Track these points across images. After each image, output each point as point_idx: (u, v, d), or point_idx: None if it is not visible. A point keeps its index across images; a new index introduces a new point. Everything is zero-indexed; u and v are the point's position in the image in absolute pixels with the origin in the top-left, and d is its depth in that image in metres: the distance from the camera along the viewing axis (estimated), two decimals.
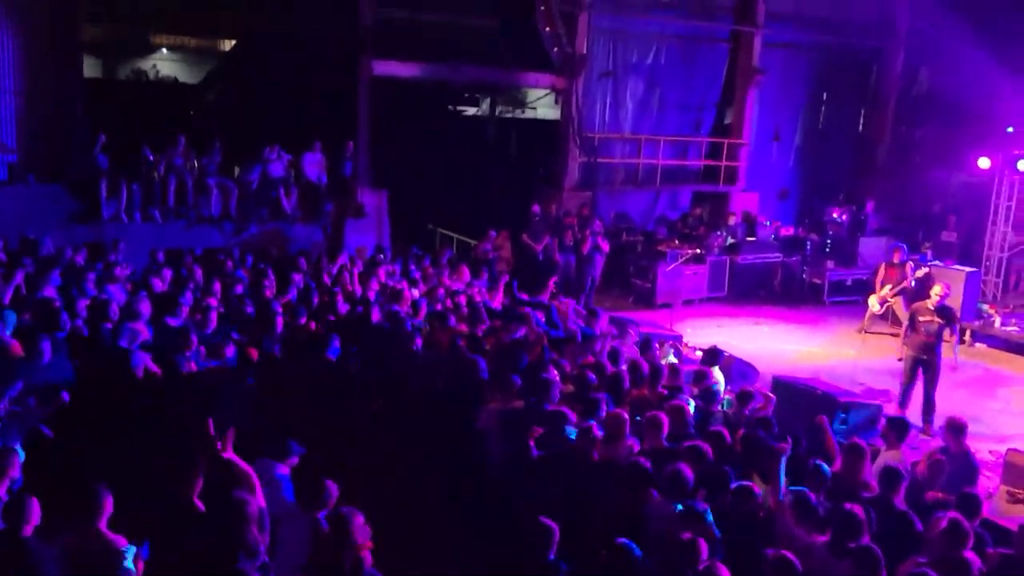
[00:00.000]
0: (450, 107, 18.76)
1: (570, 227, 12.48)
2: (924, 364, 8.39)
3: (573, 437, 5.35)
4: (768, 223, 14.54)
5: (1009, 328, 11.29)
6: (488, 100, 20.45)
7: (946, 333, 8.44)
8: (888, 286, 10.92)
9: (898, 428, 6.08)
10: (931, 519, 4.69)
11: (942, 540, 4.51)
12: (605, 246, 12.00)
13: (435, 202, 14.31)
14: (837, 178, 16.86)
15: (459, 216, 13.96)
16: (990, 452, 7.66)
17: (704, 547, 4.06)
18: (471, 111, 20.28)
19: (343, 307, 8.06)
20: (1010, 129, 12.55)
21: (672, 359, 7.90)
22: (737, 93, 15.91)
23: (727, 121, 16.30)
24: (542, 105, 20.58)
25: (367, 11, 13.00)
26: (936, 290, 8.53)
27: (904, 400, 8.52)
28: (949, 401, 8.46)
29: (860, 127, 17.70)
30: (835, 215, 14.70)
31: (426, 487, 5.49)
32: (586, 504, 4.78)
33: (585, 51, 14.20)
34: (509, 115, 20.58)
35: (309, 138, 12.42)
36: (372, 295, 8.54)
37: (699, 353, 8.79)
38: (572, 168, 14.37)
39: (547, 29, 13.49)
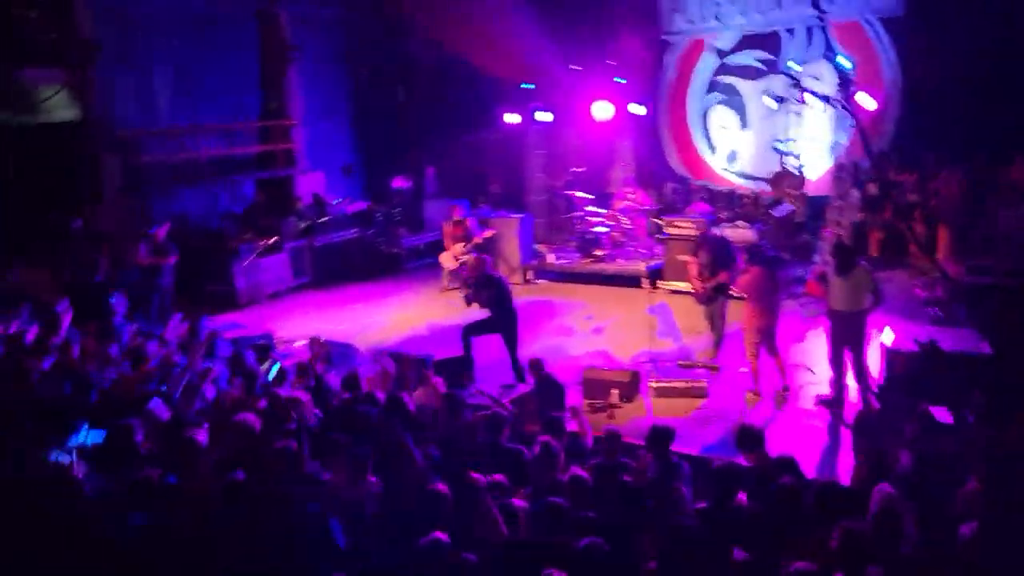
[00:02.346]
0: None
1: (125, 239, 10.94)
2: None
3: None
4: (337, 201, 14.47)
5: (560, 261, 12.86)
6: None
7: None
8: (459, 244, 11.63)
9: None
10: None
11: (537, 464, 5.08)
12: (173, 254, 10.77)
13: None
14: (395, 148, 17.42)
15: None
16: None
17: None
18: None
19: None
20: (524, 85, 14.10)
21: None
22: (276, 73, 15.34)
23: (273, 106, 15.67)
24: (59, 104, 17.59)
25: None
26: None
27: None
28: (526, 341, 9.21)
29: (401, 95, 18.40)
30: (398, 185, 15.19)
31: None
32: None
33: (94, 38, 12.35)
34: (15, 122, 17.14)
35: None
36: None
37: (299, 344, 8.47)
38: (110, 174, 12.54)
39: (32, 15, 11.42)
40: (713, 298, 8.69)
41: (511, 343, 8.48)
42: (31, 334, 7.56)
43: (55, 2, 11.76)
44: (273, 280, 12.13)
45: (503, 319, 8.49)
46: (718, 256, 8.57)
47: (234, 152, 14.73)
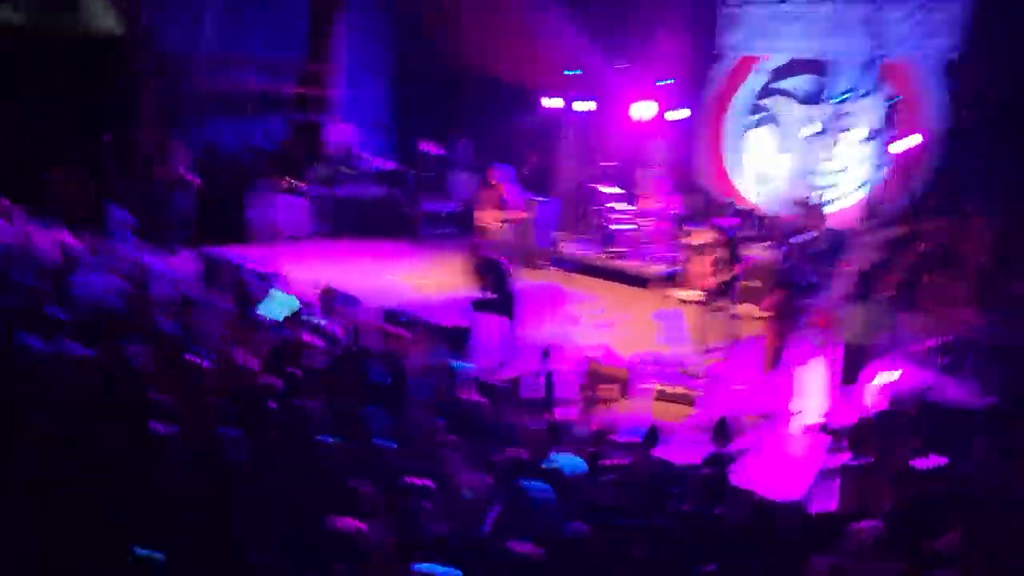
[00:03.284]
0: None
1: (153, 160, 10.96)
2: None
3: None
4: (367, 156, 14.46)
5: (577, 252, 12.85)
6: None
7: None
8: (495, 212, 11.40)
9: None
10: None
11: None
12: (196, 180, 10.78)
13: None
14: (432, 116, 17.34)
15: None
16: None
17: None
18: None
19: None
20: (568, 72, 14.05)
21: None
22: (324, 17, 15.24)
23: (318, 48, 15.59)
24: (100, 12, 17.36)
25: None
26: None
27: None
28: (532, 320, 9.26)
29: (448, 67, 18.30)
30: (429, 150, 15.15)
31: None
32: None
33: None
34: (56, 24, 16.75)
35: None
36: None
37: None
38: (147, 97, 12.50)
39: None
40: (723, 294, 8.89)
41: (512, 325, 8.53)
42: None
43: None
44: (290, 223, 12.18)
45: (503, 302, 8.54)
46: (734, 253, 8.92)
47: (273, 89, 14.64)
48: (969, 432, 5.82)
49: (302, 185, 12.43)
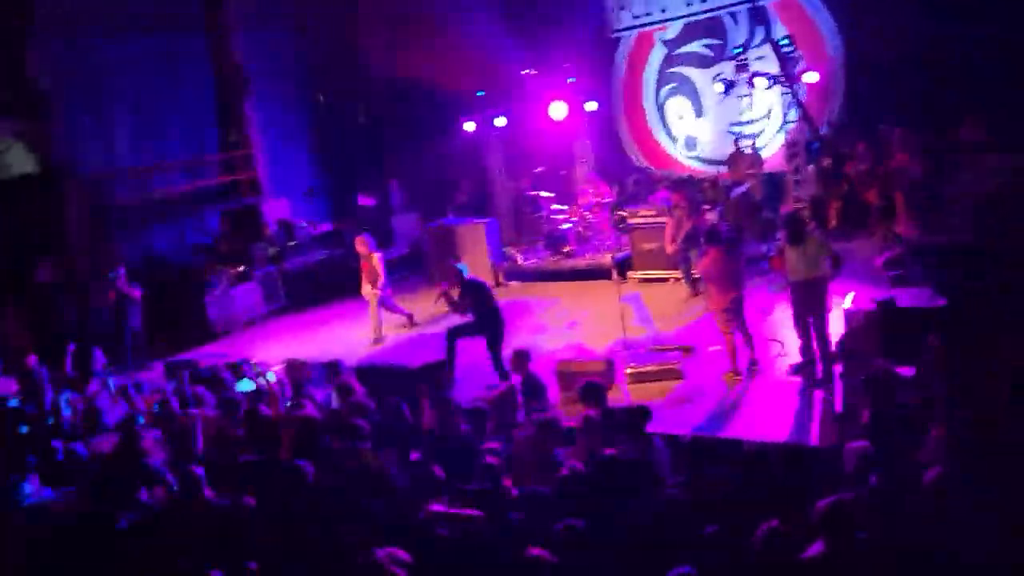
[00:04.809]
0: None
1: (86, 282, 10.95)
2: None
3: None
4: (305, 224, 14.52)
5: (530, 261, 13.00)
6: None
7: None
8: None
9: None
10: None
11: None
12: (136, 293, 10.77)
13: None
14: (357, 167, 17.47)
15: None
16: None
17: None
18: None
19: None
20: (480, 93, 14.29)
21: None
22: (233, 103, 15.41)
23: (232, 139, 15.67)
24: (16, 155, 17.48)
25: None
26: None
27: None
28: (509, 338, 9.35)
29: (361, 113, 18.43)
30: (363, 202, 15.26)
31: None
32: None
33: (47, 87, 12.36)
34: None
35: None
36: None
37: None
38: (75, 221, 12.49)
39: None
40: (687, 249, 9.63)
41: (494, 344, 8.61)
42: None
43: (4, 54, 11.74)
44: (246, 308, 12.19)
45: (485, 321, 8.63)
46: (692, 205, 9.79)
47: (198, 186, 14.73)
48: (927, 334, 5.99)
49: (247, 268, 12.44)
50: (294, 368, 7.85)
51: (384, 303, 10.86)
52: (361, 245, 10.74)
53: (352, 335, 11.21)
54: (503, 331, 8.72)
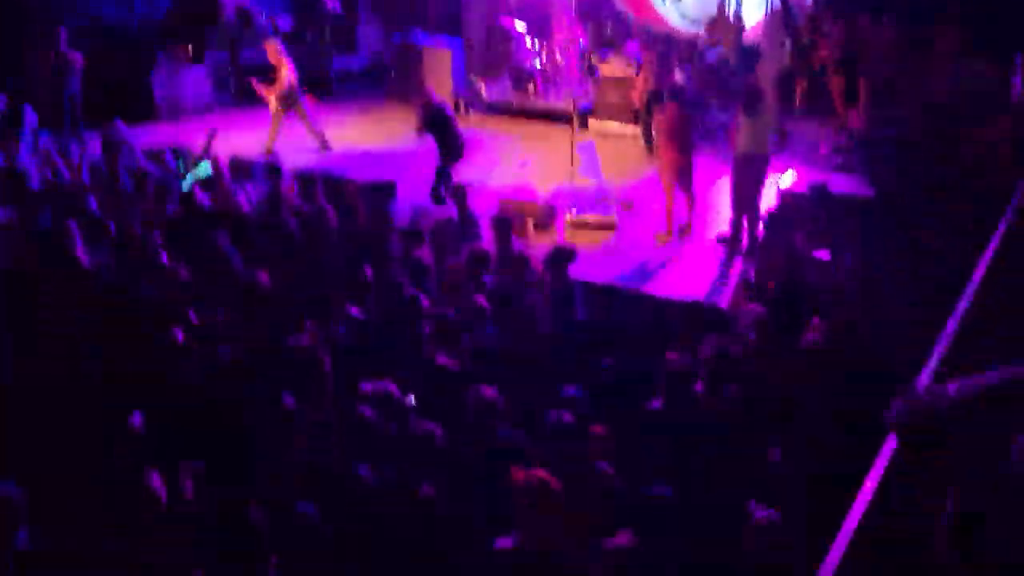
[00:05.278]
0: None
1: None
2: None
3: None
4: (264, 17, 13.79)
5: (493, 95, 12.76)
6: None
7: None
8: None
9: None
10: None
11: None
12: (77, 58, 10.25)
13: None
14: None
15: None
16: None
17: None
18: None
19: None
20: None
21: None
22: None
23: None
24: None
25: None
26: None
27: None
28: (460, 166, 9.35)
29: None
30: (329, 4, 14.50)
31: None
32: None
33: None
34: None
35: None
36: None
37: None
38: None
39: None
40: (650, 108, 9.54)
41: (442, 170, 8.69)
42: None
43: None
44: (194, 95, 11.77)
45: (445, 147, 8.74)
46: (662, 63, 9.67)
47: None
48: (851, 222, 6.25)
49: (199, 52, 11.91)
50: (234, 165, 7.77)
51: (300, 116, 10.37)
52: (272, 52, 10.20)
53: (300, 139, 11.02)
54: (457, 161, 8.73)
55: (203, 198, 6.73)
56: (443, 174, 8.67)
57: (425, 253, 6.30)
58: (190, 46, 11.73)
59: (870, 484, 2.85)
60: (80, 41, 10.73)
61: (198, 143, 8.58)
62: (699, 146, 8.57)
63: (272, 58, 10.31)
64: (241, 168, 8.24)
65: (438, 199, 8.49)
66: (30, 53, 10.39)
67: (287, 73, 10.21)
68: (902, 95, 10.28)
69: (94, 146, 9.03)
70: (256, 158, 9.45)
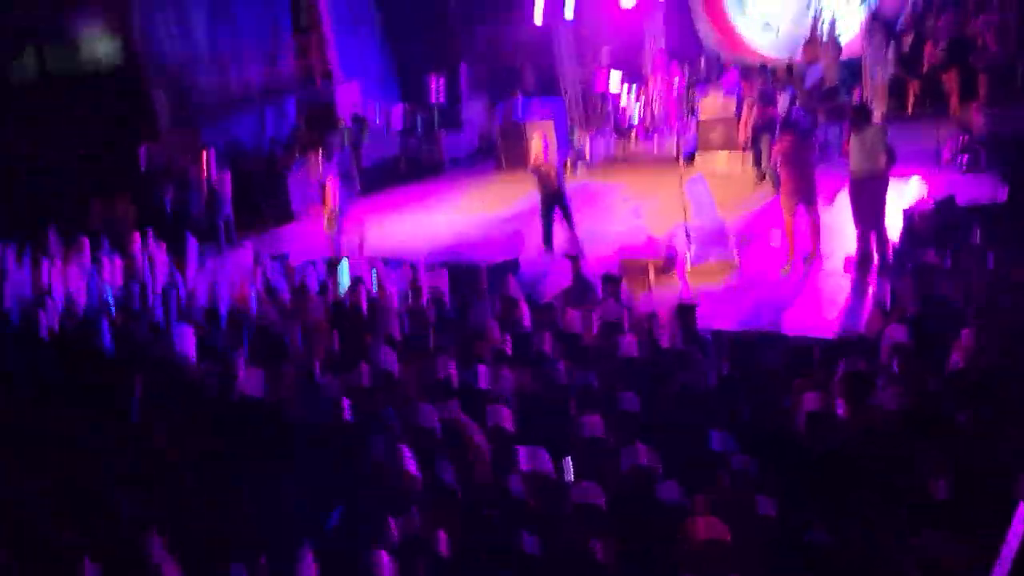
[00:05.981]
0: None
1: (182, 169, 11.62)
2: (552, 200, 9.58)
3: None
4: (377, 111, 14.83)
5: (598, 148, 13.11)
6: (34, 56, 17.39)
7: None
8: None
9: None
10: None
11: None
12: (225, 179, 11.39)
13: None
14: (426, 47, 17.48)
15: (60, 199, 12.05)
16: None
17: None
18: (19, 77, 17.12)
19: None
20: None
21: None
22: None
23: (304, 23, 15.86)
24: (104, 44, 18.11)
25: None
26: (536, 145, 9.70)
27: (548, 238, 9.66)
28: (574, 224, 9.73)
29: None
30: (433, 87, 15.39)
31: None
32: None
33: None
34: (68, 66, 17.60)
35: None
36: None
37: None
38: (160, 107, 13.18)
39: None
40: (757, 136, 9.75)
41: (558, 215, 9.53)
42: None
43: None
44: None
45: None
46: (763, 95, 9.80)
47: (275, 71, 15.09)
48: (985, 228, 6.08)
49: (324, 156, 12.93)
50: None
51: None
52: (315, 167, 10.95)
53: (425, 222, 11.70)
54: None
55: (352, 298, 7.15)
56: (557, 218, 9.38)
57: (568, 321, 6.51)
58: (318, 153, 12.73)
59: None
60: (224, 162, 11.97)
61: (342, 242, 9.21)
62: (817, 168, 8.51)
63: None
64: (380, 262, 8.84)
65: (548, 243, 9.26)
66: (182, 179, 11.60)
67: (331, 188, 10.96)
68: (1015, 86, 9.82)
69: (246, 257, 9.92)
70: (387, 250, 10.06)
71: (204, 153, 11.71)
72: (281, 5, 15.39)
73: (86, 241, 8.99)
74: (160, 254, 8.53)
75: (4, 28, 12.37)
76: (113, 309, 7.39)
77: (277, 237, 11.51)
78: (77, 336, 6.43)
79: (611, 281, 6.79)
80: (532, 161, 9.73)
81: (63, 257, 8.71)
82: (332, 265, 8.22)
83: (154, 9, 13.23)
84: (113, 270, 8.50)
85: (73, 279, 8.05)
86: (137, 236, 9.21)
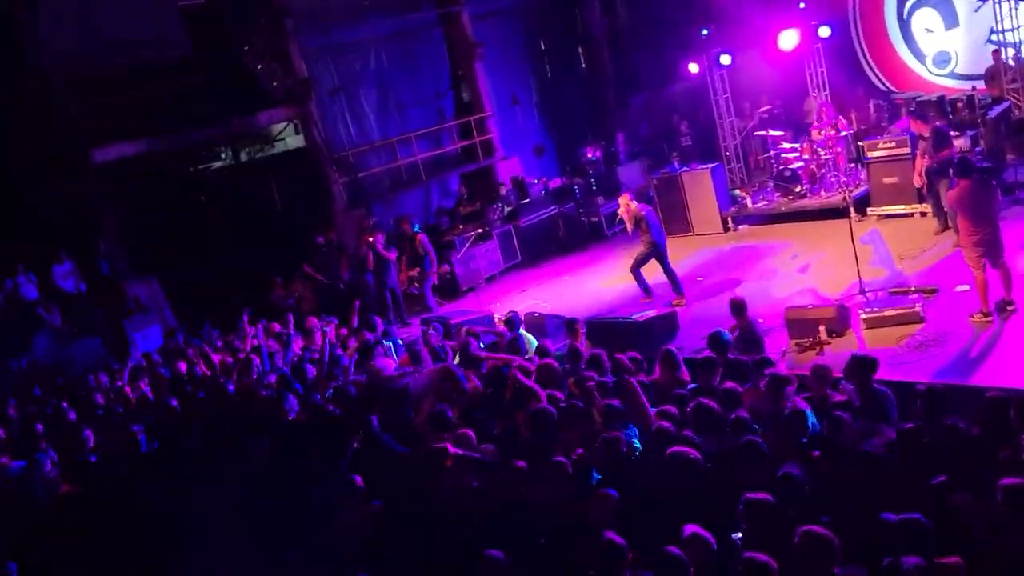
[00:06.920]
0: (191, 169, 17.77)
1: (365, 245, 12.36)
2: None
3: None
4: (536, 181, 15.25)
5: (760, 203, 12.67)
6: (230, 149, 19.63)
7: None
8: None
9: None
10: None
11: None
12: (392, 255, 12.01)
13: (211, 267, 13.57)
14: (582, 120, 17.93)
15: (243, 274, 13.33)
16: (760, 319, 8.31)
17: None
18: (216, 165, 19.36)
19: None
20: (705, 32, 13.97)
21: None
22: (465, 71, 16.47)
23: (466, 99, 16.82)
24: (288, 135, 20.10)
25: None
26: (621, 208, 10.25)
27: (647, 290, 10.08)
28: (729, 287, 9.43)
29: (584, 68, 18.84)
30: (589, 155, 15.66)
31: None
32: None
33: (307, 74, 14.12)
34: (259, 155, 19.76)
35: (51, 250, 11.53)
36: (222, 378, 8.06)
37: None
38: (337, 191, 14.31)
39: (259, 67, 13.32)
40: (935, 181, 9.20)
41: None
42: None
43: (275, 51, 13.59)
44: (487, 265, 13.17)
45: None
46: (937, 140, 9.22)
47: (440, 152, 16.04)
48: None
49: (487, 228, 13.40)
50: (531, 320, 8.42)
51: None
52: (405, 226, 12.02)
53: (586, 285, 11.75)
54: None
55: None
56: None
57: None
58: (480, 227, 13.22)
59: None
60: (390, 238, 12.67)
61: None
62: (1003, 209, 7.77)
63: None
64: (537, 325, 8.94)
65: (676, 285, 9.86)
66: (356, 257, 12.38)
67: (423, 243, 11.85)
68: None
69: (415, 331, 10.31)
70: (548, 314, 10.14)
71: (374, 233, 12.50)
72: (444, 88, 16.39)
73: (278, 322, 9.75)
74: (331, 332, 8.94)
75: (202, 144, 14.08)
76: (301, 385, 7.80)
77: (447, 312, 11.91)
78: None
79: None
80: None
81: (263, 338, 9.27)
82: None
83: (330, 106, 14.50)
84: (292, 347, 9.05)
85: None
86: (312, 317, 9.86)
